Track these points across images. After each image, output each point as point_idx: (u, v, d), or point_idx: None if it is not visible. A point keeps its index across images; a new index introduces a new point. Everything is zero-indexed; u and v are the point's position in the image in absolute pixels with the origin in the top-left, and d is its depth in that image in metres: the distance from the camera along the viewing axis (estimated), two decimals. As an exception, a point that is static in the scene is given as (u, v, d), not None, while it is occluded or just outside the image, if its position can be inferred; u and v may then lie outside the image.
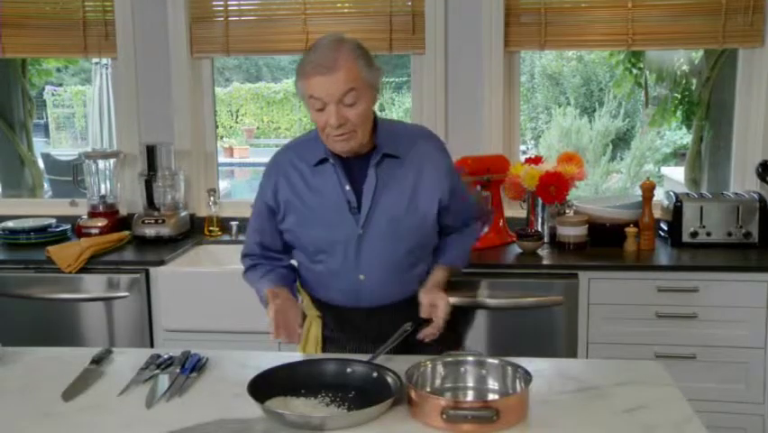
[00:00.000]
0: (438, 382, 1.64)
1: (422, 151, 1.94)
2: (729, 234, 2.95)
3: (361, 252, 1.90)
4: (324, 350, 2.01)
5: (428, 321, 1.90)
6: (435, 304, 1.88)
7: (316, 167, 1.92)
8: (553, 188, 2.95)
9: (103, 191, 3.36)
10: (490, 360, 1.65)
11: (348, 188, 1.89)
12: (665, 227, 3.08)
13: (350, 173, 1.90)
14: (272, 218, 2.00)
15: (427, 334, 1.87)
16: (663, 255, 2.89)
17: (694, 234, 2.96)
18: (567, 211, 3.05)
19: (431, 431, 1.44)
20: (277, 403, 1.53)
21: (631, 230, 2.89)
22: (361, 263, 1.91)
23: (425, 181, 1.92)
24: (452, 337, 2.00)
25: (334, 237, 1.91)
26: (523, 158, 3.27)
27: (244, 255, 2.10)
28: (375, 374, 1.62)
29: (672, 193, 3.10)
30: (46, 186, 5.00)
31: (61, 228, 3.23)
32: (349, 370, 1.66)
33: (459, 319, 2.22)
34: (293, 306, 1.88)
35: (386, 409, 1.49)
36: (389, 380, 1.58)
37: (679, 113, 4.56)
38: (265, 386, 1.56)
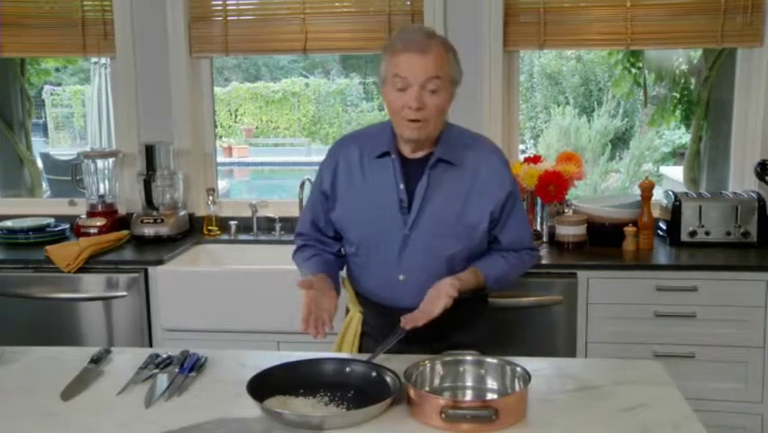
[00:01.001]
0: (437, 381, 1.64)
1: (479, 160, 1.93)
2: (728, 234, 2.95)
3: (404, 252, 1.90)
4: (360, 345, 2.00)
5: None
6: (438, 297, 1.80)
7: (377, 159, 1.93)
8: (552, 187, 2.95)
9: (102, 191, 3.35)
10: (489, 359, 1.65)
11: (402, 186, 1.89)
12: (664, 227, 3.08)
13: (406, 173, 1.90)
14: (326, 204, 2.00)
15: (408, 320, 1.79)
16: (662, 255, 2.89)
17: (693, 234, 2.96)
18: (566, 210, 3.05)
19: (430, 431, 1.44)
20: (276, 403, 1.53)
21: (630, 229, 2.89)
22: (403, 264, 1.91)
23: (478, 191, 1.91)
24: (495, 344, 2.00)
25: (380, 233, 1.91)
26: (522, 157, 3.27)
27: (297, 234, 2.10)
28: (374, 374, 1.63)
29: (670, 192, 3.10)
30: (45, 185, 4.99)
31: (60, 228, 3.22)
32: (348, 369, 1.66)
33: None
34: (327, 296, 1.83)
35: (385, 408, 1.49)
36: (388, 379, 1.58)
37: (678, 112, 4.55)
38: (264, 385, 1.56)
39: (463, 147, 1.93)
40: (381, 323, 1.94)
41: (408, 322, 1.79)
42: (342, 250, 2.07)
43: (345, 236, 2.00)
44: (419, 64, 1.77)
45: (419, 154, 1.91)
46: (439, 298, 1.80)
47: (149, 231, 3.17)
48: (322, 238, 2.06)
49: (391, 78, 1.81)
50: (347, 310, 2.06)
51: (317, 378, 1.64)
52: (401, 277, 1.91)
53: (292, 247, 2.13)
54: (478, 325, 2.02)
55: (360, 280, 2.01)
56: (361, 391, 1.59)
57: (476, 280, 1.91)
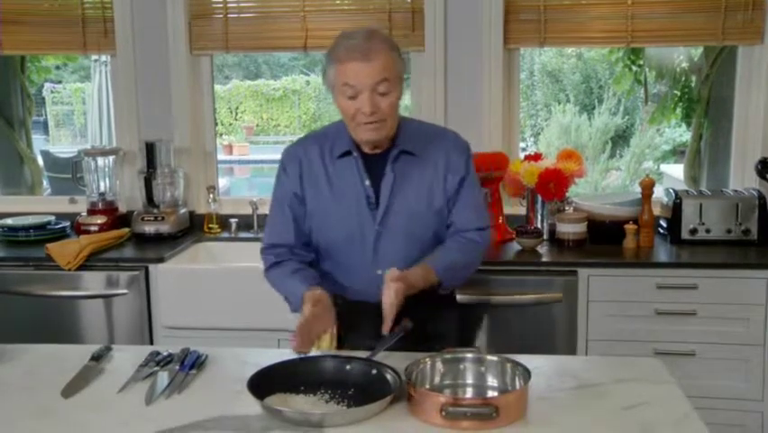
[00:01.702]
0: (437, 379, 1.64)
1: (437, 148, 1.95)
2: (728, 232, 2.95)
3: (378, 248, 1.91)
4: (339, 345, 1.99)
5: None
6: (387, 292, 1.76)
7: (339, 159, 1.93)
8: (553, 185, 2.95)
9: (102, 188, 3.35)
10: (490, 357, 1.65)
11: (368, 183, 1.91)
12: (665, 224, 3.08)
13: (369, 169, 1.91)
14: (301, 206, 1.97)
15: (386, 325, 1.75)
16: (663, 252, 2.89)
17: (693, 232, 2.96)
18: (566, 208, 3.05)
19: (430, 428, 1.44)
20: (276, 400, 1.53)
21: (630, 227, 2.89)
22: (378, 259, 1.91)
23: (438, 178, 1.93)
24: (465, 337, 1.98)
25: (352, 232, 1.92)
26: (522, 155, 3.27)
27: (268, 247, 2.01)
28: (374, 371, 1.63)
29: (671, 190, 3.10)
30: (45, 183, 5.00)
31: (61, 225, 3.22)
32: (348, 367, 1.66)
33: (470, 318, 2.18)
34: (327, 314, 1.80)
35: (385, 405, 1.49)
36: (389, 377, 1.58)
37: (678, 110, 4.55)
38: (264, 383, 1.56)
39: (424, 138, 1.96)
40: (359, 321, 1.93)
41: (386, 327, 1.76)
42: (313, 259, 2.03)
43: (317, 239, 1.98)
44: (365, 71, 1.77)
45: (379, 150, 1.92)
46: (387, 292, 1.76)
47: (149, 229, 3.17)
48: (296, 250, 1.99)
49: (340, 87, 1.81)
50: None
51: (318, 376, 1.64)
52: (379, 271, 1.90)
53: None
54: (445, 315, 2.03)
55: (336, 280, 1.99)
56: (361, 388, 1.59)
57: (423, 273, 1.87)
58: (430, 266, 1.91)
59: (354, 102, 1.80)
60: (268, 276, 2.01)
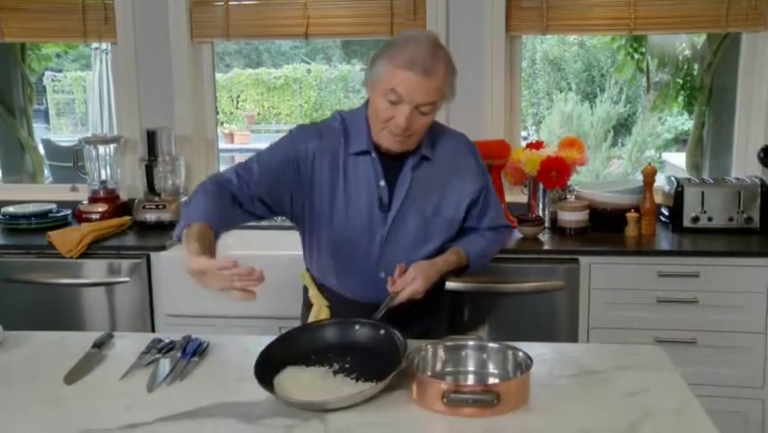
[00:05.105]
0: (439, 366, 1.64)
1: (451, 153, 1.93)
2: (730, 220, 2.95)
3: (384, 250, 1.88)
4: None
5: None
6: (415, 279, 1.78)
7: (355, 156, 1.87)
8: (555, 173, 2.95)
9: (103, 177, 3.35)
10: (491, 344, 1.66)
11: (382, 183, 1.87)
12: (666, 213, 3.07)
13: (385, 170, 1.87)
14: (283, 170, 1.84)
15: (395, 293, 1.77)
16: (664, 240, 2.89)
17: (695, 220, 2.95)
18: (568, 196, 3.05)
19: (432, 415, 1.44)
20: (286, 376, 1.55)
21: (632, 215, 2.89)
22: (383, 261, 1.88)
23: (453, 184, 1.91)
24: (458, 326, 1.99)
25: (360, 232, 1.88)
26: (524, 143, 3.26)
27: (214, 179, 1.85)
28: (382, 331, 1.67)
29: (673, 178, 3.09)
30: (47, 172, 5.00)
31: (62, 214, 3.23)
32: (357, 327, 1.71)
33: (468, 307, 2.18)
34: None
35: (384, 386, 1.49)
36: (396, 336, 1.62)
37: (680, 98, 4.55)
38: (272, 361, 1.58)
39: (435, 141, 1.93)
40: (353, 316, 1.89)
41: (396, 296, 1.78)
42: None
43: (322, 234, 1.92)
44: (420, 87, 1.70)
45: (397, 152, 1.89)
46: (416, 280, 1.79)
47: (150, 217, 3.17)
48: (246, 191, 1.82)
49: (386, 89, 1.73)
50: (310, 306, 2.00)
51: (326, 342, 1.68)
52: (382, 274, 1.88)
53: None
54: (437, 311, 2.05)
55: (336, 279, 1.95)
56: (371, 352, 1.63)
57: (457, 259, 1.92)
58: (463, 251, 1.92)
59: (392, 109, 1.74)
60: (201, 187, 1.81)
